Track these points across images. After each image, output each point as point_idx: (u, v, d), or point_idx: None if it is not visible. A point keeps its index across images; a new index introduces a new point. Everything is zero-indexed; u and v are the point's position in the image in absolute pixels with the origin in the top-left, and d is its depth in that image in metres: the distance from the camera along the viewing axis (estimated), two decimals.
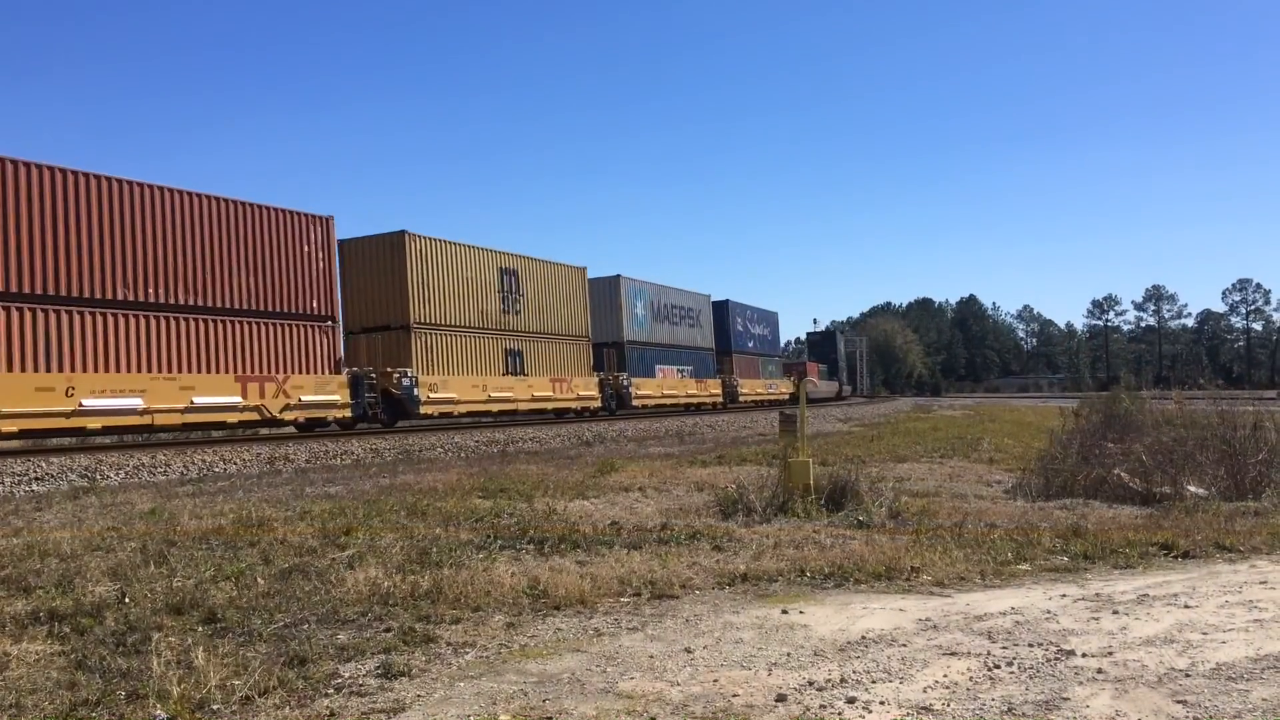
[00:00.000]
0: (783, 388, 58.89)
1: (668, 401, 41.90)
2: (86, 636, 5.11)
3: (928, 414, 43.79)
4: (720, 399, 46.98)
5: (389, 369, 26.02)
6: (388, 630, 5.24)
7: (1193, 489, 10.79)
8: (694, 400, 44.47)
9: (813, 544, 7.72)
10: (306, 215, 23.93)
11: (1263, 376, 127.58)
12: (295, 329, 23.09)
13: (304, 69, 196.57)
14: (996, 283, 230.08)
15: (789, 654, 4.75)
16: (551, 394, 32.65)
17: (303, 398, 22.60)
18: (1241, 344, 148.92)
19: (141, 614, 5.52)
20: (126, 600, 5.85)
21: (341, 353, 24.79)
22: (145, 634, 5.09)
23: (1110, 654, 4.66)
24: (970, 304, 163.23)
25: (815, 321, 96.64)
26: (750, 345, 55.08)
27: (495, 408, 30.17)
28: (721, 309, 50.72)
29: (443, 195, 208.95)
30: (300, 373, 22.88)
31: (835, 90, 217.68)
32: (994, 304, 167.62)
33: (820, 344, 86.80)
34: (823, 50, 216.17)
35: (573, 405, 33.97)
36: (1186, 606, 5.66)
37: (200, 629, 5.27)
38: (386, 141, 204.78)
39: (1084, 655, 4.64)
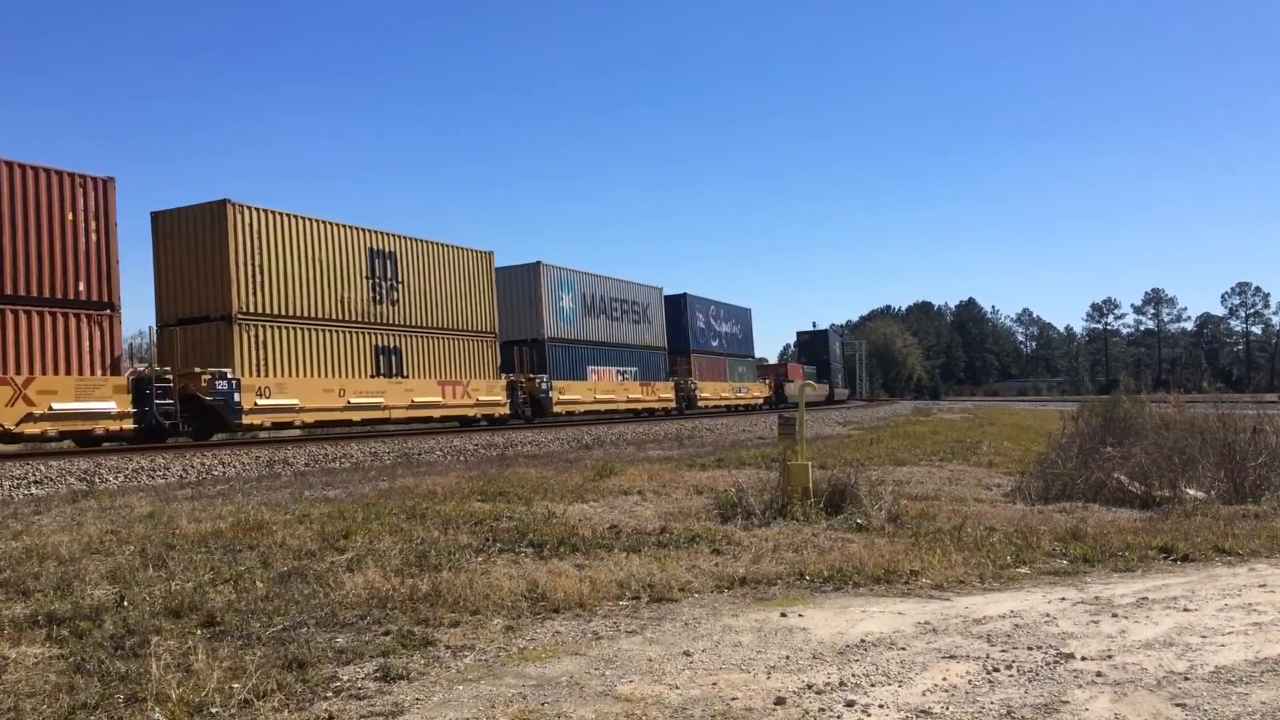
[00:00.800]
0: (756, 391, 54.65)
1: (603, 407, 36.75)
2: (85, 640, 5.11)
3: (927, 417, 43.83)
4: (673, 404, 42.07)
5: (198, 370, 21.21)
6: (386, 633, 5.24)
7: (1192, 492, 10.79)
8: (638, 405, 39.28)
9: (812, 547, 7.72)
10: (72, 175, 18.86)
11: (1262, 380, 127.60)
12: (49, 318, 18.12)
13: (300, 72, 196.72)
14: (996, 286, 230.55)
15: (788, 657, 4.75)
16: (440, 399, 27.50)
17: (55, 406, 17.69)
18: (1241, 347, 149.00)
19: (140, 617, 5.51)
20: (125, 603, 5.84)
21: (123, 349, 20.26)
22: (144, 637, 5.09)
23: (1109, 657, 4.66)
24: (969, 307, 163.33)
25: (814, 324, 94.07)
26: (715, 344, 49.82)
27: (358, 416, 24.91)
28: (677, 304, 45.63)
29: (444, 196, 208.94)
30: (56, 373, 18.05)
31: (833, 93, 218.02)
32: (993, 307, 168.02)
33: (811, 344, 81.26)
34: (820, 52, 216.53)
35: (469, 412, 29.10)
36: (1186, 610, 5.65)
37: (199, 632, 5.26)
38: (373, 144, 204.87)
39: (1083, 658, 4.64)
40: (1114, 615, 5.54)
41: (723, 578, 6.63)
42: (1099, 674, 4.38)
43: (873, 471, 13.85)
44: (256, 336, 22.51)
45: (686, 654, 4.83)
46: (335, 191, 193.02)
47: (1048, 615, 5.57)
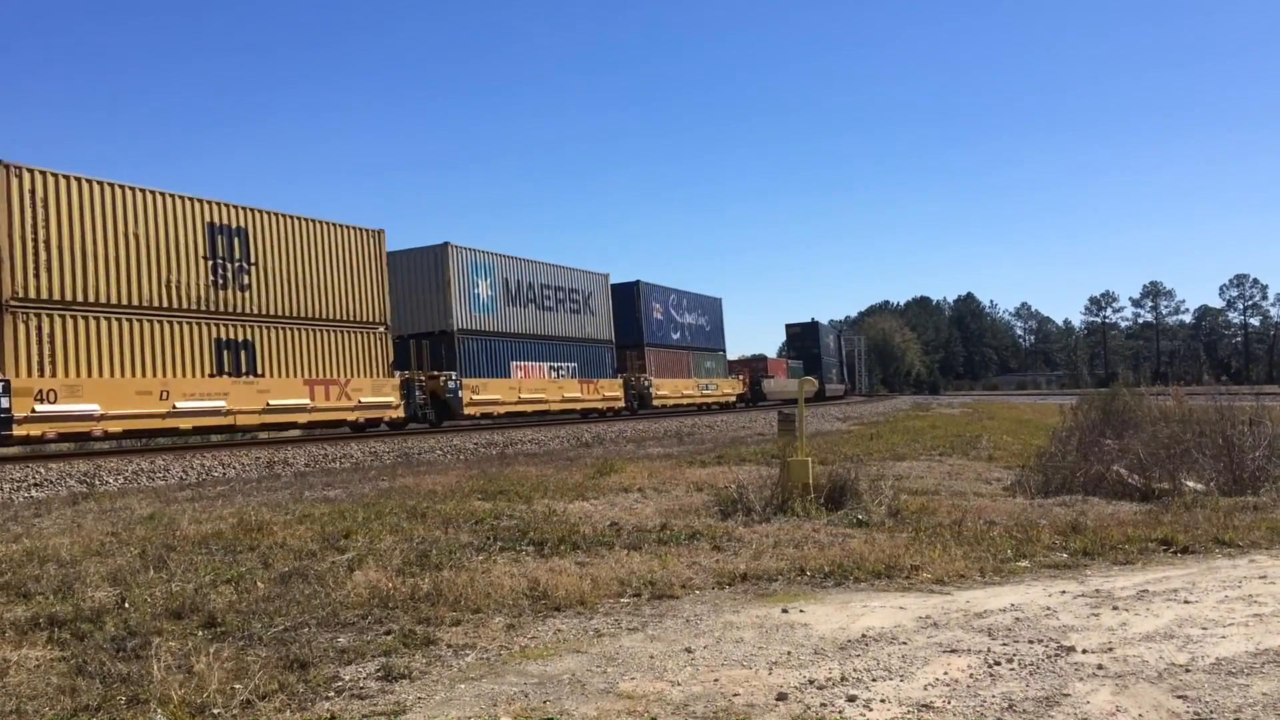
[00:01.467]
0: (727, 388, 50.29)
1: (531, 408, 32.44)
2: (86, 642, 5.11)
3: (926, 412, 43.84)
4: (621, 403, 37.75)
5: None
6: (388, 633, 5.24)
7: (1192, 484, 10.80)
8: (577, 405, 35.09)
9: (812, 543, 7.72)
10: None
11: (1261, 372, 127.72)
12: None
13: (298, 73, 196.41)
14: (994, 280, 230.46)
15: (789, 653, 4.76)
16: (307, 401, 23.32)
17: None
18: (1239, 339, 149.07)
19: (141, 619, 5.51)
20: (126, 605, 5.84)
21: None
22: (145, 639, 5.09)
23: (1110, 650, 4.67)
24: (968, 302, 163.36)
25: (814, 320, 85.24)
26: (676, 337, 45.13)
27: (188, 423, 20.62)
28: (628, 293, 41.07)
29: (443, 197, 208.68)
30: None
31: (830, 89, 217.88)
32: (992, 301, 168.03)
33: (801, 337, 75.01)
34: (818, 49, 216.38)
35: (350, 416, 24.76)
36: (1186, 602, 5.66)
37: (200, 633, 5.26)
38: (370, 144, 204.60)
39: (1084, 651, 4.64)
40: (1114, 608, 5.54)
41: (724, 574, 6.64)
42: (1100, 667, 4.39)
43: (873, 467, 13.86)
44: (39, 328, 18.28)
45: (688, 651, 4.83)
46: (332, 190, 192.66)
47: (1048, 609, 5.57)
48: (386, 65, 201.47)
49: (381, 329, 26.07)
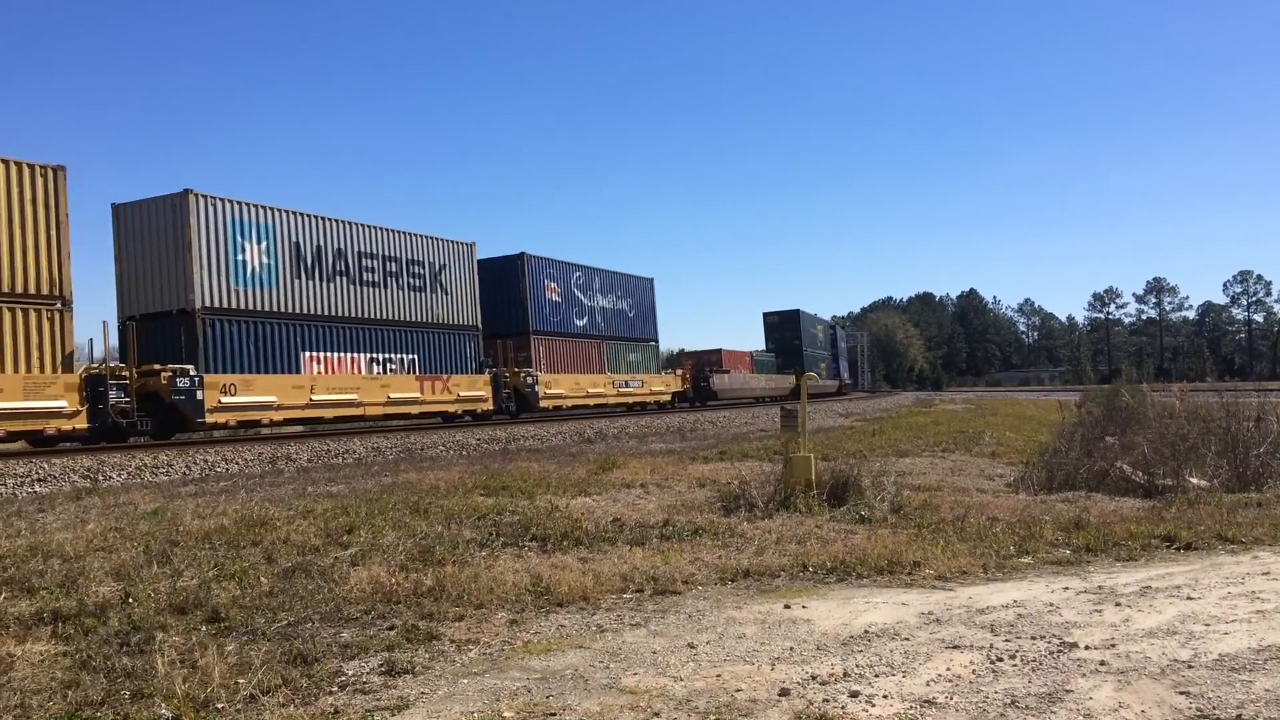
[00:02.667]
0: (658, 385, 42.00)
1: (331, 412, 24.34)
2: (90, 637, 5.12)
3: (929, 408, 43.82)
4: (488, 403, 29.91)
5: None
6: (391, 628, 5.25)
7: (1195, 481, 10.79)
8: (413, 408, 27.16)
9: (815, 539, 7.72)
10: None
11: (1264, 368, 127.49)
12: None
13: (295, 69, 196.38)
14: (997, 276, 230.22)
15: (792, 648, 4.76)
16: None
17: None
18: (1243, 336, 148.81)
19: (145, 614, 5.52)
20: (130, 600, 5.86)
21: None
22: (149, 634, 5.10)
23: (1113, 646, 4.67)
24: (971, 298, 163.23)
25: (798, 311, 77.85)
26: (582, 324, 36.74)
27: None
28: (507, 269, 33.16)
29: (444, 194, 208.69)
30: None
31: (831, 85, 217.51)
32: (995, 298, 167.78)
33: (780, 327, 66.79)
34: (820, 44, 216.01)
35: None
36: (1189, 598, 5.66)
37: (204, 628, 5.27)
38: (374, 140, 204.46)
39: (1087, 647, 4.64)
40: (1117, 604, 5.54)
41: (726, 570, 6.64)
42: (1103, 663, 4.39)
43: (875, 463, 13.86)
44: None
45: (691, 646, 4.84)
46: (329, 186, 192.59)
47: (1051, 605, 5.57)
48: (356, 64, 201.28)
49: (51, 307, 18.19)
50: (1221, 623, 5.07)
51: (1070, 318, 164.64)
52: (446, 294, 29.45)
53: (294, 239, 24.32)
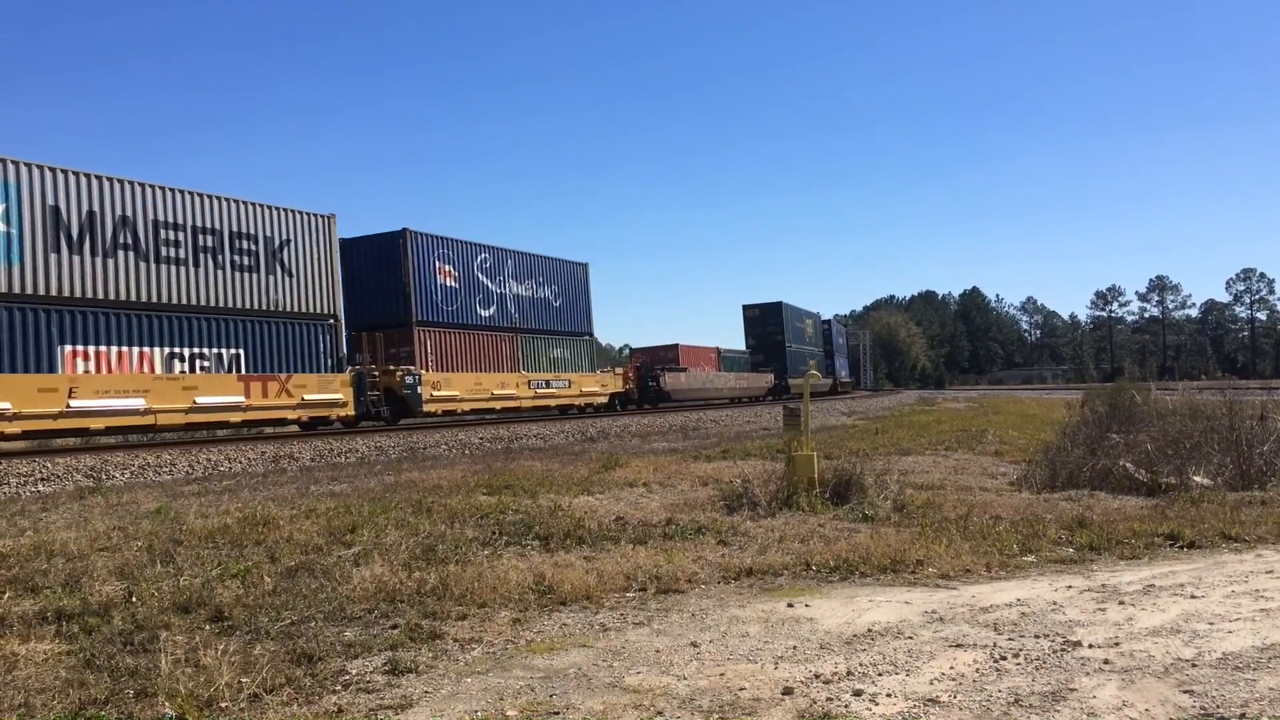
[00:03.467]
0: (589, 385, 36.40)
1: (101, 422, 18.92)
2: (94, 636, 5.13)
3: (931, 407, 43.77)
4: (347, 409, 24.55)
5: None
6: (394, 627, 5.25)
7: (1198, 479, 10.77)
8: (237, 415, 21.74)
9: (818, 537, 7.72)
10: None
11: (1267, 366, 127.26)
12: None
13: (296, 69, 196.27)
14: (1000, 275, 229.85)
15: (795, 647, 4.76)
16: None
17: None
18: (1246, 334, 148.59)
19: (149, 613, 5.53)
20: (134, 599, 5.86)
21: None
22: (153, 633, 5.11)
23: (1117, 644, 4.66)
24: (973, 296, 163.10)
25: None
26: (488, 314, 31.50)
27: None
28: (385, 249, 28.57)
29: (446, 191, 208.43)
30: None
31: (835, 84, 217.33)
32: (997, 296, 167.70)
33: (761, 321, 60.69)
34: (823, 44, 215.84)
35: None
36: (1193, 597, 5.65)
37: (208, 627, 5.28)
38: (379, 141, 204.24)
39: (1090, 646, 4.64)
40: (1121, 603, 5.54)
41: (729, 569, 6.64)
42: (1106, 661, 4.38)
43: (878, 461, 13.85)
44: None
45: (694, 645, 4.83)
46: (327, 184, 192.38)
47: (1054, 603, 5.57)
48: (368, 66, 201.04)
49: None
50: (1225, 621, 5.06)
51: (1073, 316, 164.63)
52: (291, 275, 23.64)
53: (50, 201, 18.89)
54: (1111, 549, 7.26)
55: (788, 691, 4.06)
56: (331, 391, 23.98)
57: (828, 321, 75.10)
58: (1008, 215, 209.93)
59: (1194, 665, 4.31)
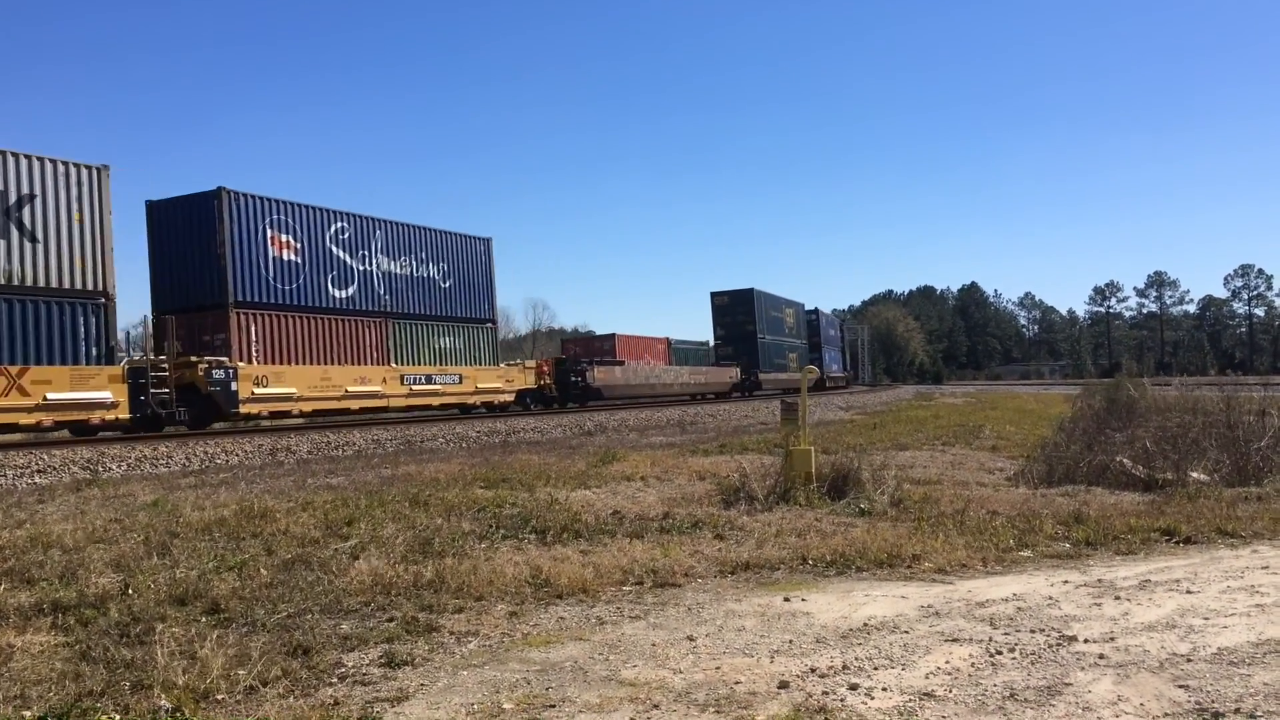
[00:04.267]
0: (489, 380, 30.17)
1: None
2: (90, 628, 5.13)
3: (929, 402, 43.82)
4: (121, 412, 19.14)
5: None
6: (391, 620, 5.25)
7: (1195, 475, 10.79)
8: None
9: (815, 532, 7.73)
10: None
11: (1265, 362, 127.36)
12: None
13: (295, 65, 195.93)
14: (998, 270, 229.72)
15: (791, 641, 4.76)
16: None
17: None
18: (1244, 330, 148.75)
19: (145, 605, 5.53)
20: (130, 591, 5.86)
21: None
22: (149, 625, 5.11)
23: (1112, 639, 4.67)
24: (972, 291, 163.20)
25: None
26: (345, 295, 25.96)
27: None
28: (199, 211, 23.04)
29: (448, 188, 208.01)
30: None
31: (833, 79, 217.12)
32: (995, 291, 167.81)
33: (730, 309, 53.65)
34: (821, 38, 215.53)
35: None
36: (1188, 592, 5.66)
37: (204, 620, 5.28)
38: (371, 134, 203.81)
39: (1086, 641, 4.65)
40: (1116, 598, 5.55)
41: (726, 563, 6.65)
42: (1101, 656, 4.39)
43: (875, 456, 13.86)
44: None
45: (690, 639, 4.84)
46: (326, 181, 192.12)
47: (1050, 598, 5.58)
48: (360, 58, 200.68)
49: None
50: (1221, 616, 5.07)
51: (1071, 311, 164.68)
52: (35, 241, 18.57)
53: None
54: (1108, 544, 7.27)
55: (783, 685, 4.07)
56: (93, 389, 18.66)
57: (814, 312, 68.38)
58: (1006, 211, 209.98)
59: (1189, 660, 4.32)
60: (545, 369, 35.44)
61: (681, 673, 4.28)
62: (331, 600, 5.67)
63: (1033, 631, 4.84)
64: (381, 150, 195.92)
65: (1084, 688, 3.96)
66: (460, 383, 29.19)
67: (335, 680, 4.27)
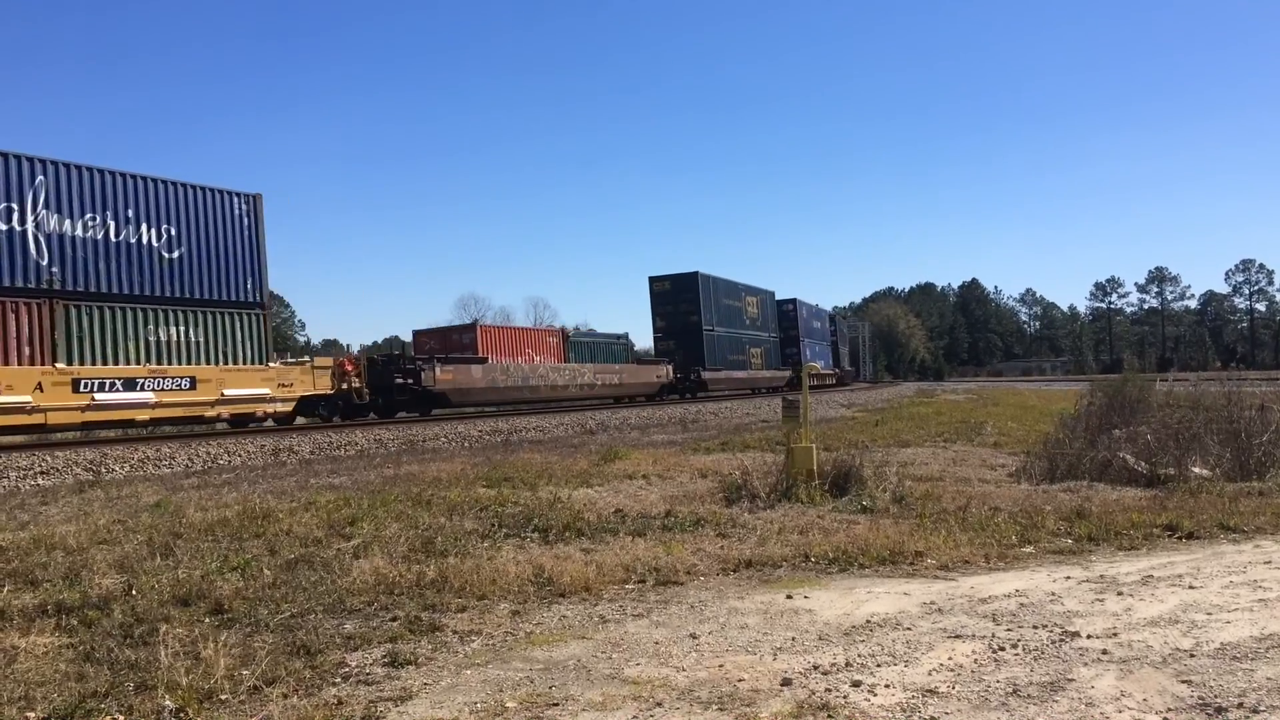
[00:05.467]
0: (250, 383, 22.78)
1: None
2: (94, 629, 5.13)
3: (931, 398, 43.79)
4: None
5: None
6: (394, 619, 5.26)
7: (1197, 470, 10.79)
8: None
9: (817, 529, 7.73)
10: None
11: (1267, 357, 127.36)
12: None
13: (290, 62, 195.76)
14: (999, 266, 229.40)
15: (794, 638, 4.77)
16: None
17: None
18: (1245, 325, 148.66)
19: (148, 606, 5.54)
20: (133, 592, 5.87)
21: None
22: (152, 625, 5.11)
23: (1115, 635, 4.67)
24: (972, 288, 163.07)
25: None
26: None
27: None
28: None
29: (451, 188, 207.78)
30: None
31: (834, 75, 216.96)
32: (996, 287, 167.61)
33: (672, 297, 45.39)
34: (820, 35, 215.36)
35: None
36: (1191, 587, 5.66)
37: (207, 620, 5.29)
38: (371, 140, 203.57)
39: (1088, 636, 4.65)
40: (1119, 593, 5.55)
41: (728, 560, 6.65)
42: (1104, 652, 4.39)
43: (877, 453, 13.87)
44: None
45: (693, 636, 4.84)
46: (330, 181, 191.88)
47: (1053, 594, 5.58)
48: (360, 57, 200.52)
49: None
50: (1223, 611, 5.07)
51: (1072, 307, 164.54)
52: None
53: None
54: (1110, 540, 7.27)
55: (786, 683, 4.07)
56: None
57: (790, 302, 60.30)
58: (1007, 207, 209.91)
59: (1192, 655, 4.32)
60: (350, 368, 27.37)
61: (684, 671, 4.29)
62: (335, 600, 5.68)
63: (1035, 627, 4.84)
64: (378, 152, 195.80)
65: (1087, 683, 3.96)
66: (190, 388, 21.23)
67: (339, 680, 4.27)
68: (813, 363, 47.71)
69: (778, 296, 57.89)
